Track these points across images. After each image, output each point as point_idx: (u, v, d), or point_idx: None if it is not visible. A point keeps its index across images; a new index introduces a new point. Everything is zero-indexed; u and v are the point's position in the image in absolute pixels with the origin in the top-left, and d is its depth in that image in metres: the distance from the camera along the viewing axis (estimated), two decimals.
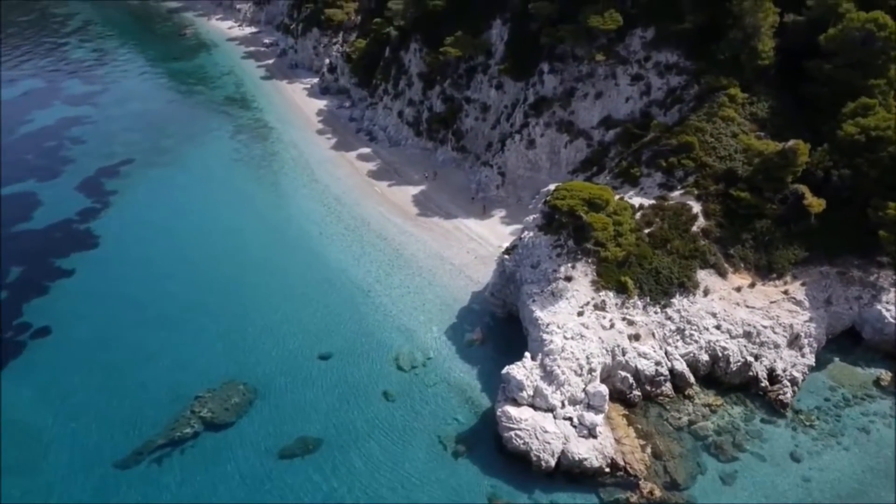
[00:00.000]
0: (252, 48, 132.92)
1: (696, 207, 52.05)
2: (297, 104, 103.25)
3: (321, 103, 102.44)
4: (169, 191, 79.11)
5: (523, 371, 42.90)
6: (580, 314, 46.42)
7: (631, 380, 45.50)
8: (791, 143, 49.58)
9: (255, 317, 56.09)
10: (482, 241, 64.51)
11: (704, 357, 47.30)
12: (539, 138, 67.95)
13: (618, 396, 45.46)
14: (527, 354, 44.49)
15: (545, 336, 44.87)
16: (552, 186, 52.24)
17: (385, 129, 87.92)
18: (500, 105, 75.04)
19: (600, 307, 47.10)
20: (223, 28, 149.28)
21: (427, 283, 59.41)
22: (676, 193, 53.74)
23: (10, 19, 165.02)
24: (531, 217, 53.22)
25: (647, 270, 48.85)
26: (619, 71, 63.71)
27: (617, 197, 51.33)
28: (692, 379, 46.90)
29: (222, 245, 66.93)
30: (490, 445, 43.43)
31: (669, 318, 47.99)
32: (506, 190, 70.66)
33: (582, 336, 44.93)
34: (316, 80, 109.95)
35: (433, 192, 74.13)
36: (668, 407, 45.80)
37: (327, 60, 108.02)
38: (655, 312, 48.06)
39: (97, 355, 52.71)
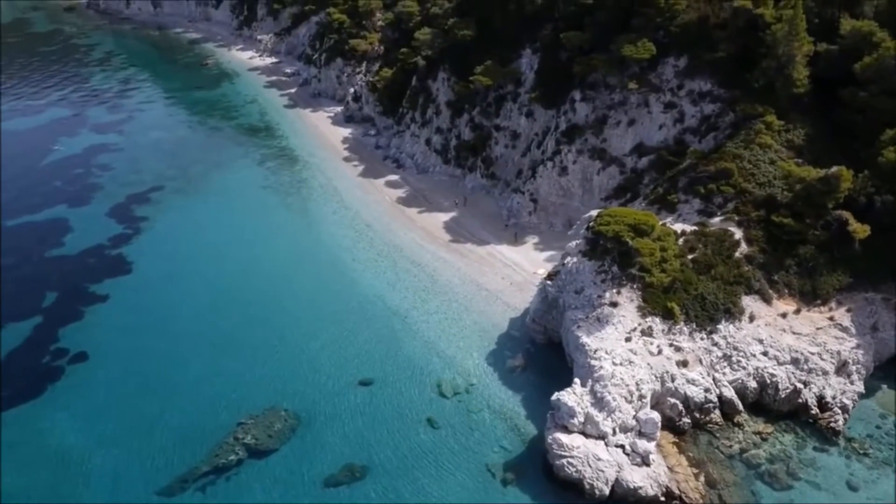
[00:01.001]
0: (274, 78, 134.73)
1: (738, 233, 52.02)
2: (322, 132, 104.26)
3: (346, 131, 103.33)
4: (200, 217, 79.52)
5: (574, 397, 42.47)
6: (628, 340, 46.14)
7: (680, 407, 45.00)
8: (834, 169, 49.70)
9: (293, 342, 55.87)
10: (516, 268, 64.51)
11: (752, 384, 46.85)
12: (571, 165, 68.36)
13: (667, 424, 44.75)
14: (576, 380, 44.07)
15: (593, 362, 44.53)
16: (594, 212, 52.33)
17: (412, 156, 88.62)
18: (530, 132, 75.69)
19: (647, 333, 46.80)
20: (244, 58, 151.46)
21: (464, 308, 59.25)
22: (716, 220, 53.75)
23: (35, 50, 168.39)
24: (573, 243, 53.23)
25: (692, 296, 48.62)
26: (652, 99, 64.28)
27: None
28: (741, 406, 46.39)
29: (256, 271, 66.87)
30: (539, 473, 42.88)
31: (716, 345, 47.66)
32: (538, 216, 70.85)
33: (631, 362, 44.57)
34: (339, 108, 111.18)
35: (464, 219, 74.35)
36: (717, 434, 45.27)
37: (351, 89, 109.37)
38: (702, 339, 47.73)
39: (136, 380, 52.45)
